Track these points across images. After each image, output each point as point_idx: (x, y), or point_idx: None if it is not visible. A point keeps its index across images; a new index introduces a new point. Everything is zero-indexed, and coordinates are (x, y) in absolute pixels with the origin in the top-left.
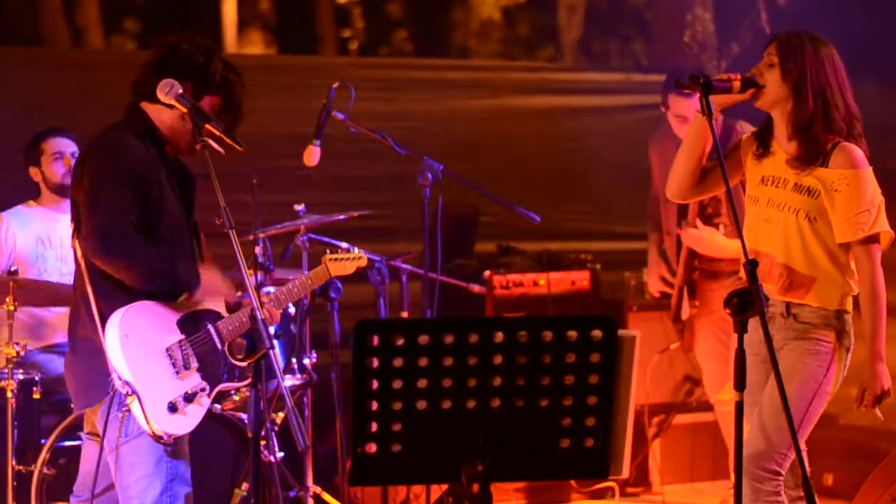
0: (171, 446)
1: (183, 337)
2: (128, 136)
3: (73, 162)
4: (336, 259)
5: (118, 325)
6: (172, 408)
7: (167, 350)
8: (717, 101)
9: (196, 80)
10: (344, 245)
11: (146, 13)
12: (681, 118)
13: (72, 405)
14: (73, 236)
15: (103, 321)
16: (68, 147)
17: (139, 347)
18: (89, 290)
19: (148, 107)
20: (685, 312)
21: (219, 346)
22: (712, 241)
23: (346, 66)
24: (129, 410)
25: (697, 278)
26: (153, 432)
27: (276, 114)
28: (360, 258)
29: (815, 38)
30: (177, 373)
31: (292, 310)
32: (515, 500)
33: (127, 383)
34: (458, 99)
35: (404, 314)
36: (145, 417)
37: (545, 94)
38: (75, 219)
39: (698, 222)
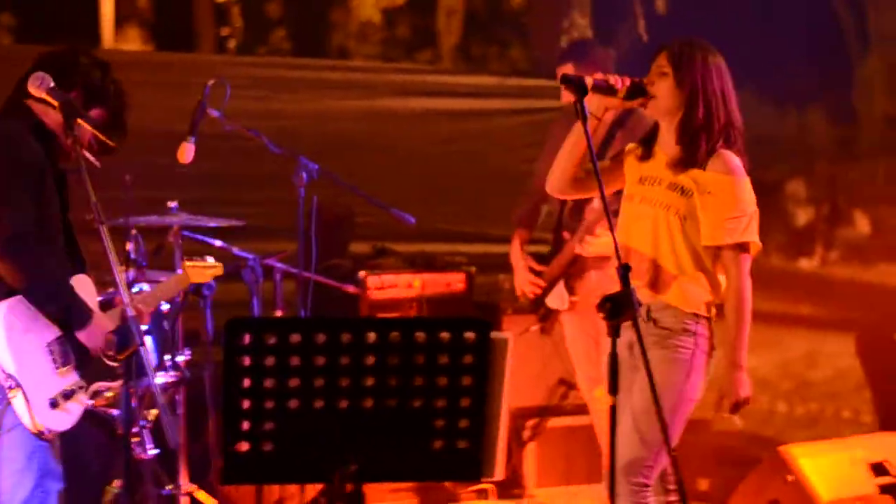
0: (47, 442)
1: (61, 333)
2: (23, 129)
3: None
4: (195, 266)
5: (3, 316)
6: (53, 403)
7: (48, 345)
8: (602, 103)
9: (88, 92)
10: (217, 243)
11: (22, 8)
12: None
13: None
14: None
15: None
16: None
17: (22, 341)
18: None
19: (32, 103)
20: (554, 301)
21: None
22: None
23: (224, 65)
24: (9, 404)
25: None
26: (35, 427)
27: (152, 111)
28: (217, 267)
29: (705, 47)
30: (56, 369)
31: (165, 307)
32: (407, 500)
33: (11, 376)
34: (335, 99)
35: (278, 313)
36: (29, 412)
37: (422, 97)
38: None
39: (598, 229)
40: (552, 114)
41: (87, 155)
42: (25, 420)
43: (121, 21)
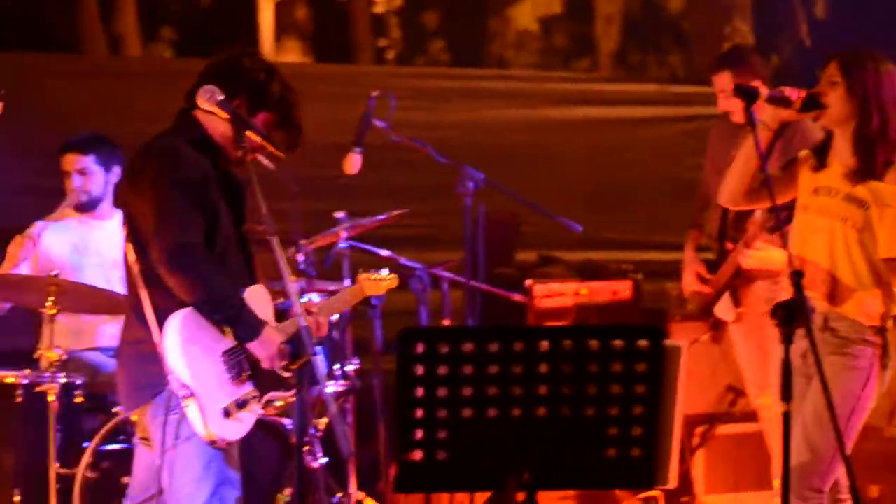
0: (223, 451)
1: (236, 343)
2: (182, 145)
3: (75, 178)
4: (371, 279)
5: (178, 327)
6: (227, 413)
7: (222, 355)
8: (776, 115)
9: (253, 96)
10: (385, 253)
11: (183, 22)
12: (722, 93)
13: (116, 408)
14: (126, 240)
15: (160, 323)
16: (74, 164)
17: (196, 351)
18: (143, 293)
19: (200, 115)
20: (722, 311)
21: None
22: (770, 258)
23: (384, 76)
24: (184, 414)
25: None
26: (209, 436)
27: (313, 122)
28: (392, 280)
29: (875, 56)
30: (231, 378)
31: (335, 316)
32: None
33: (185, 385)
34: (496, 109)
35: (445, 322)
36: (203, 421)
37: (583, 105)
38: (130, 226)
39: (758, 242)
40: (714, 121)
41: (263, 160)
42: (198, 428)
43: (280, 33)
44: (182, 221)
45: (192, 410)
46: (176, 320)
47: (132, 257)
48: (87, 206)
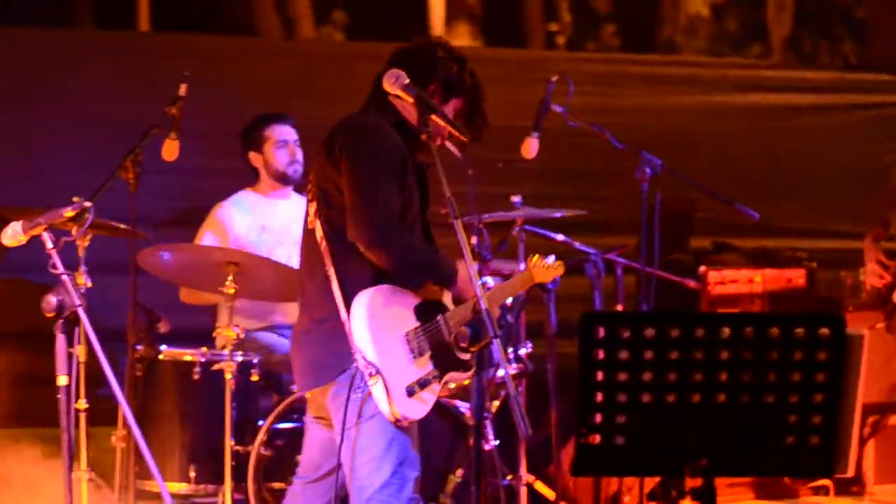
0: (404, 431)
1: (419, 324)
2: (386, 125)
3: (296, 150)
4: (541, 266)
5: (366, 305)
6: (410, 392)
7: (405, 335)
8: None
9: (447, 83)
10: (560, 237)
11: (354, 5)
12: None
13: (292, 387)
14: (316, 216)
15: (347, 302)
16: (292, 135)
17: (383, 330)
18: (331, 271)
19: (394, 100)
20: None
21: (446, 336)
22: None
23: (556, 60)
24: (369, 393)
25: None
26: (394, 415)
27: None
28: (559, 267)
29: None
30: (413, 359)
31: (508, 300)
32: (743, 495)
33: (372, 364)
34: (670, 95)
35: (619, 307)
36: (388, 399)
37: (757, 92)
38: (322, 203)
39: None
40: (893, 109)
41: (450, 146)
42: (383, 407)
43: (450, 17)
44: (388, 198)
45: (377, 389)
46: (364, 298)
47: (319, 234)
48: (292, 180)
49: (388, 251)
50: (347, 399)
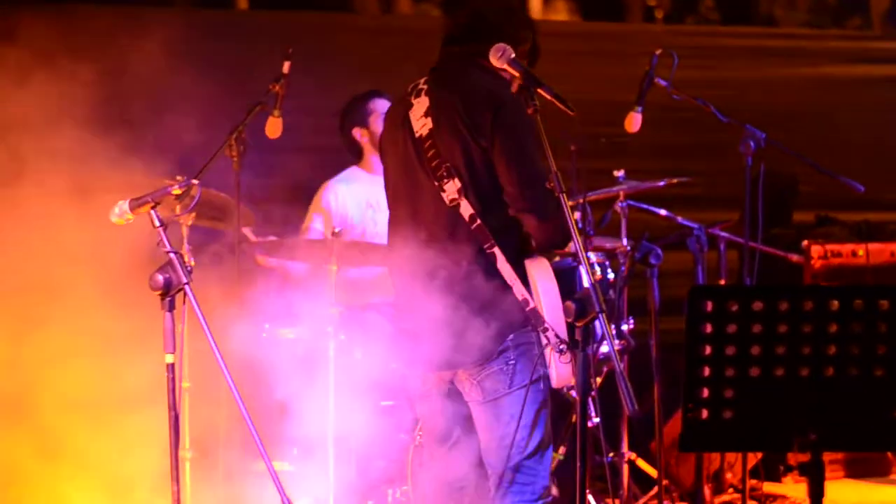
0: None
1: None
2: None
3: None
4: None
5: (550, 277)
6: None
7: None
8: None
9: (530, 52)
10: (663, 212)
11: None
12: None
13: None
14: (460, 194)
15: (520, 275)
16: None
17: (555, 298)
18: (496, 249)
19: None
20: None
21: None
22: None
23: (656, 34)
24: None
25: None
26: (559, 380)
27: (588, 80)
28: None
29: None
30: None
31: (611, 275)
32: (833, 473)
33: (559, 338)
34: (773, 67)
35: (721, 282)
36: (555, 365)
37: (859, 64)
38: (468, 177)
39: None
40: None
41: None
42: (553, 373)
43: None
44: (542, 172)
45: (551, 356)
46: (545, 270)
47: (469, 212)
48: None
49: (560, 223)
50: (507, 370)
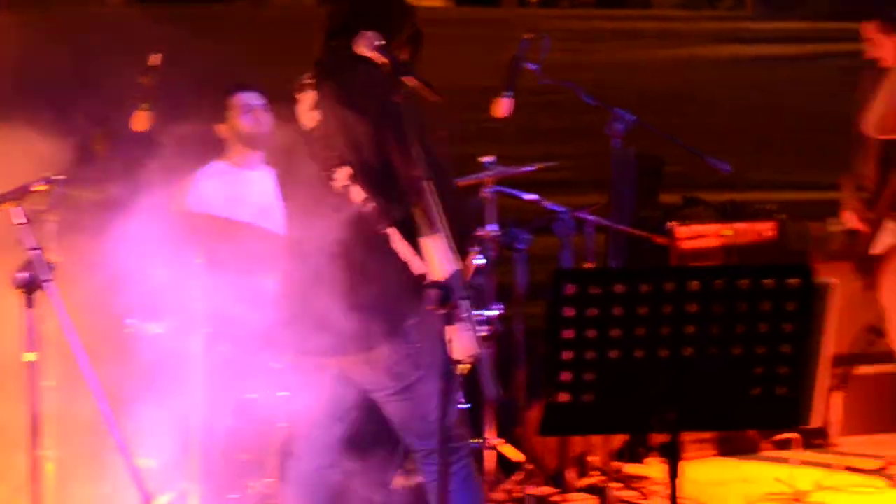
0: None
1: None
2: None
3: (261, 115)
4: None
5: (447, 249)
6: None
7: None
8: None
9: (410, 39)
10: (530, 197)
11: None
12: (869, 41)
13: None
14: (351, 180)
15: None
16: (257, 101)
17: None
18: (391, 230)
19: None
20: (886, 237)
21: None
22: None
23: (529, 18)
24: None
25: None
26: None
27: (461, 66)
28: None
29: None
30: None
31: (481, 261)
32: (706, 451)
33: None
34: (645, 49)
35: (588, 265)
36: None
37: (730, 44)
38: (358, 164)
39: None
40: (862, 59)
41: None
42: (461, 346)
43: None
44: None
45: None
46: (439, 243)
47: (361, 196)
48: (260, 144)
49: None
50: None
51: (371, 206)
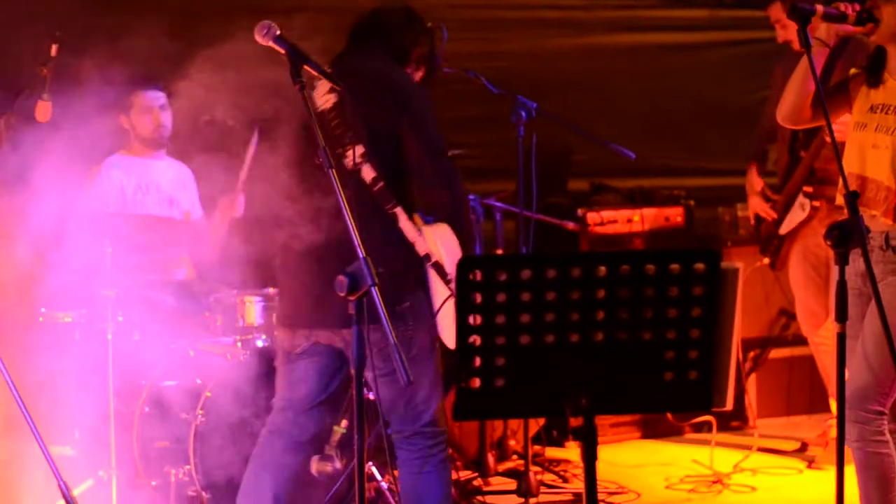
0: None
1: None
2: None
3: (161, 115)
4: None
5: (452, 237)
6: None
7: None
8: (830, 31)
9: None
10: None
11: None
12: (777, 23)
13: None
14: (364, 158)
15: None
16: (158, 100)
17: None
18: (399, 209)
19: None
20: (794, 216)
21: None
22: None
23: (433, 7)
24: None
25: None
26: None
27: None
28: None
29: None
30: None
31: None
32: (629, 433)
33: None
34: (549, 38)
35: (499, 252)
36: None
37: (633, 32)
38: (371, 145)
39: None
40: (764, 45)
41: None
42: (447, 335)
43: None
44: (446, 147)
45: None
46: (444, 230)
47: (371, 175)
48: (160, 144)
49: (461, 200)
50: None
51: (380, 185)
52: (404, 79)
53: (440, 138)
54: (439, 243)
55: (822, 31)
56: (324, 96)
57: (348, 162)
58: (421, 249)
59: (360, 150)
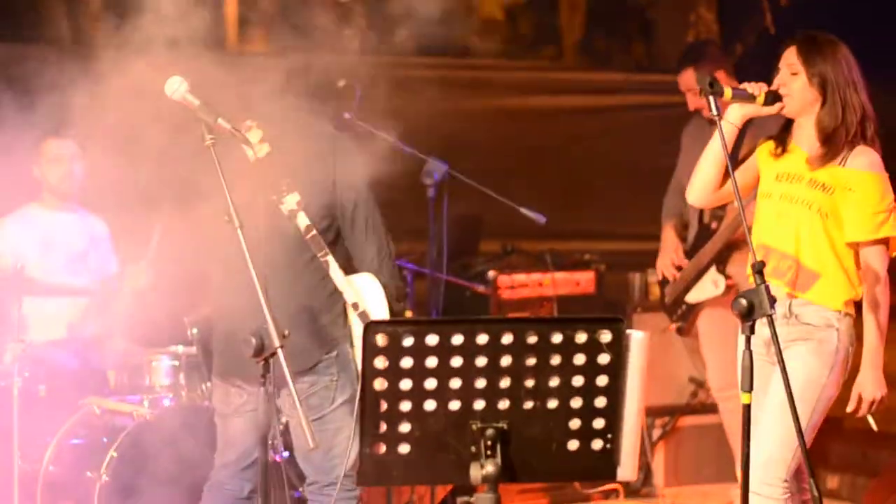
0: None
1: None
2: None
3: (72, 166)
4: None
5: (378, 288)
6: None
7: None
8: (742, 112)
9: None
10: None
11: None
12: (689, 91)
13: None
14: (299, 206)
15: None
16: (68, 150)
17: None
18: (329, 257)
19: None
20: (704, 290)
21: None
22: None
23: (348, 64)
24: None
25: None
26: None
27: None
28: None
29: (831, 40)
30: None
31: None
32: (536, 500)
33: None
34: (460, 98)
35: (408, 314)
36: None
37: (547, 94)
38: (308, 193)
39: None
40: (678, 110)
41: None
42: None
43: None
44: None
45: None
46: (370, 280)
47: (305, 223)
48: (68, 195)
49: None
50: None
51: (313, 233)
52: (334, 134)
53: (373, 206)
54: (365, 293)
55: (734, 111)
56: (257, 146)
57: (285, 209)
58: (349, 298)
59: (296, 197)
